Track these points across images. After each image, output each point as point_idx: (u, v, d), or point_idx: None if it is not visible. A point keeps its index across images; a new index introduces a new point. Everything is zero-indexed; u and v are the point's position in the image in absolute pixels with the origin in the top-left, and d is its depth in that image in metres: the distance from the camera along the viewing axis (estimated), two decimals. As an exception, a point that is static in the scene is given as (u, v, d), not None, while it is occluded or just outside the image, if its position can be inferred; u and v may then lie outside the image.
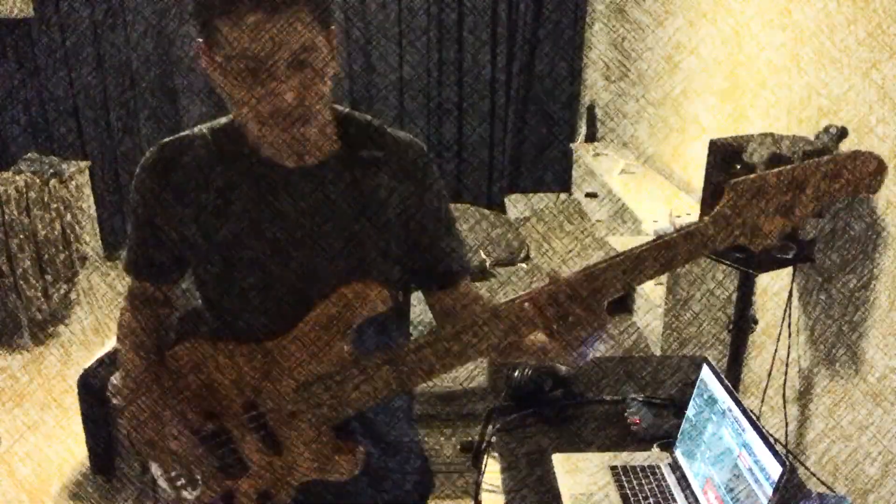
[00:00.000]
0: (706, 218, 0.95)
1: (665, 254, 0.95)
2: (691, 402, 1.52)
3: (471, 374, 2.66)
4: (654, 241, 0.96)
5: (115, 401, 2.46)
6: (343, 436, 1.17)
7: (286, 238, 1.11)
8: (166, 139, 1.15)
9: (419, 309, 1.50)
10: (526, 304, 0.99)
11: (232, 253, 1.12)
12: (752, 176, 0.93)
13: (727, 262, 2.03)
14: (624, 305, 3.11)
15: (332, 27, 1.03)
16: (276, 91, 0.97)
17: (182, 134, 1.15)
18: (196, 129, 1.15)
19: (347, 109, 1.17)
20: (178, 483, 1.22)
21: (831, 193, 0.91)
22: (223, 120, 1.16)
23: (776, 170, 0.92)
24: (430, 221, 1.18)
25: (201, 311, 1.25)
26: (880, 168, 0.91)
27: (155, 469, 1.22)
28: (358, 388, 1.10)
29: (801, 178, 0.91)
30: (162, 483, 1.23)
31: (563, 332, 0.98)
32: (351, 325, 1.10)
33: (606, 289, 0.96)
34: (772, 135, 2.08)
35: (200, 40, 1.01)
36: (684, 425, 1.52)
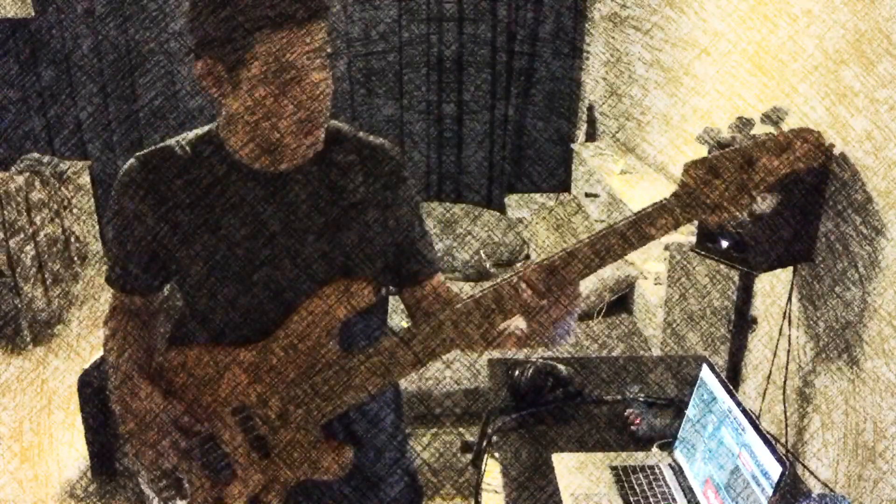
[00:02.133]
0: (669, 195, 1.02)
1: (634, 230, 1.02)
2: (691, 402, 1.52)
3: (471, 374, 2.66)
4: (625, 219, 1.04)
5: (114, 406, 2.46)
6: (330, 436, 1.18)
7: (267, 242, 1.13)
8: (141, 153, 1.16)
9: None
10: (503, 286, 1.04)
11: (214, 259, 1.13)
12: (704, 157, 1.02)
13: (727, 262, 2.03)
14: (624, 305, 3.11)
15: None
16: (314, 95, 1.02)
17: (159, 146, 1.17)
18: (174, 141, 1.17)
19: None
20: (166, 494, 1.22)
21: (780, 168, 0.99)
22: (201, 130, 1.17)
23: (726, 149, 1.01)
24: (402, 223, 1.20)
25: (188, 317, 1.26)
26: (820, 141, 0.98)
27: (142, 477, 1.22)
28: (344, 385, 1.12)
29: (750, 155, 0.99)
30: (148, 492, 1.23)
31: (539, 312, 1.03)
32: (336, 322, 1.12)
33: (580, 267, 1.03)
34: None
35: (212, 61, 1.02)
36: (684, 425, 1.53)
